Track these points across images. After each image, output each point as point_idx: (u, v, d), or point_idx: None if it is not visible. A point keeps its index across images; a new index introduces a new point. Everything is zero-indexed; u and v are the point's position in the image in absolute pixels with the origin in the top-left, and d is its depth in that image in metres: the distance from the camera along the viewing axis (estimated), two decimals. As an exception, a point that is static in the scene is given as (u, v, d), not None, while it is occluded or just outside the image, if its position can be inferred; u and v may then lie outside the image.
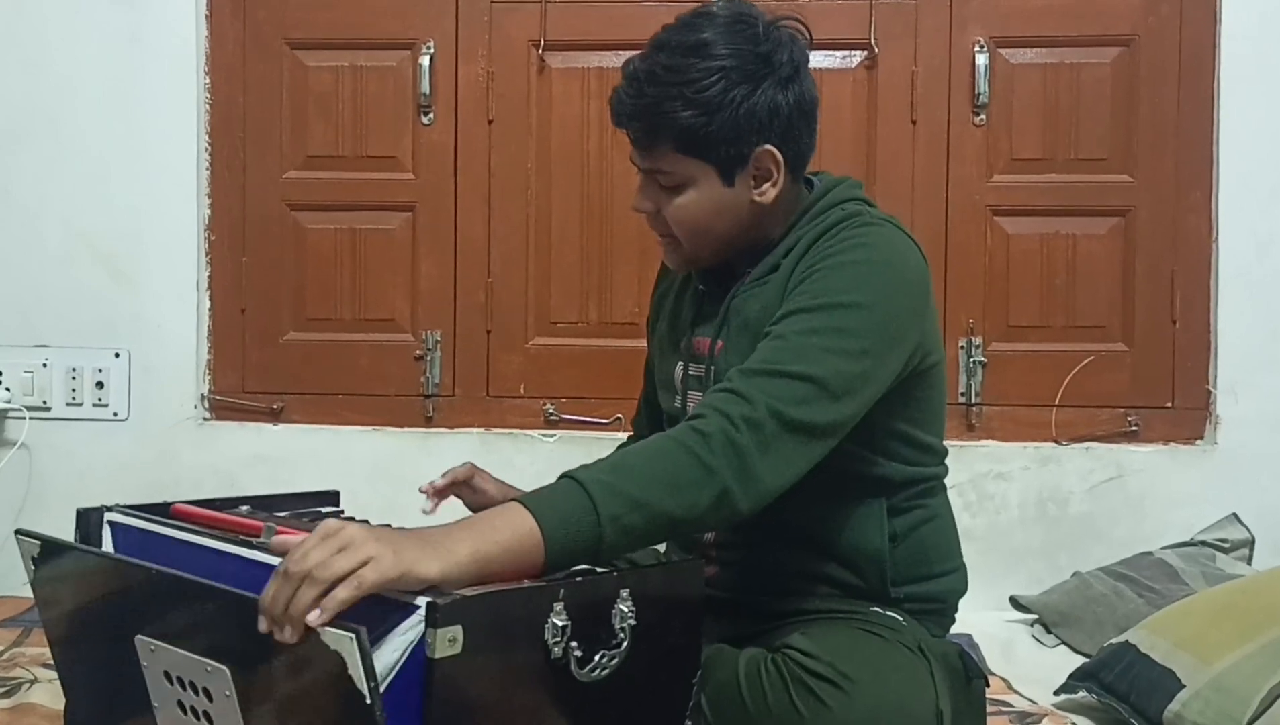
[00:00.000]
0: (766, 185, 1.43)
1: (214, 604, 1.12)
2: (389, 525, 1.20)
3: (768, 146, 1.41)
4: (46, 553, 1.30)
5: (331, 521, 1.08)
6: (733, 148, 1.39)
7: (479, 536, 1.12)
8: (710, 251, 1.47)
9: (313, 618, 1.02)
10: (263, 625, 1.05)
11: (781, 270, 1.43)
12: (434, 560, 1.08)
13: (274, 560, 1.15)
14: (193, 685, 1.15)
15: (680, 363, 1.53)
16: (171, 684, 1.17)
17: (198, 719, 1.16)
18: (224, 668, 1.11)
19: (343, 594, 1.03)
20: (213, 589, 1.12)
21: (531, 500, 1.18)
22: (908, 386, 1.41)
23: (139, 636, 1.19)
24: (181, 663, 1.15)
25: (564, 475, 1.21)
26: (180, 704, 1.17)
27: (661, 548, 1.63)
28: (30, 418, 2.49)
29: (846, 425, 1.33)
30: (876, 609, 1.43)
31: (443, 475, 1.51)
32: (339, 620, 1.02)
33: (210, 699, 1.13)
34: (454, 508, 1.43)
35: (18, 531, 1.32)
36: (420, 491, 1.50)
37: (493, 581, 1.13)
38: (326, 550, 1.05)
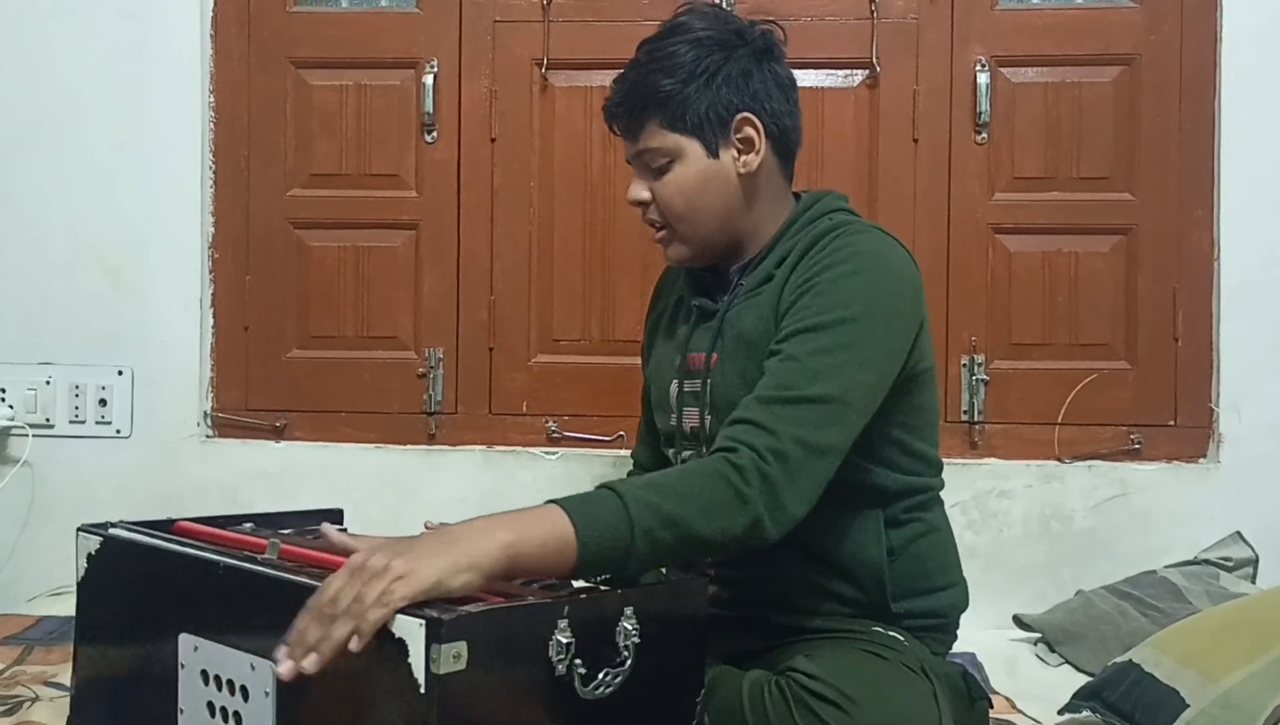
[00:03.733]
0: (750, 155, 1.48)
1: (276, 596, 1.14)
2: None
3: (745, 114, 1.46)
4: (107, 548, 1.34)
5: (356, 556, 1.10)
6: (712, 112, 1.45)
7: (514, 531, 1.14)
8: (703, 234, 1.50)
9: (354, 645, 1.04)
10: (281, 653, 1.07)
11: (775, 281, 1.45)
12: (463, 567, 1.09)
13: (273, 572, 1.17)
14: (230, 684, 1.18)
15: (675, 381, 1.54)
16: (207, 684, 1.20)
17: (226, 721, 1.18)
18: (270, 663, 1.12)
19: (375, 615, 1.05)
20: (278, 580, 1.16)
21: (568, 503, 1.20)
22: (901, 391, 1.43)
23: (183, 634, 1.22)
24: (224, 660, 1.18)
25: (602, 486, 1.24)
26: (210, 705, 1.20)
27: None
28: (33, 435, 2.49)
29: (856, 436, 1.35)
30: (878, 628, 1.43)
31: None
32: (410, 609, 1.04)
33: (246, 698, 1.16)
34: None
35: (80, 528, 1.38)
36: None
37: (519, 576, 1.16)
38: (355, 586, 1.06)
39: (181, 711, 1.23)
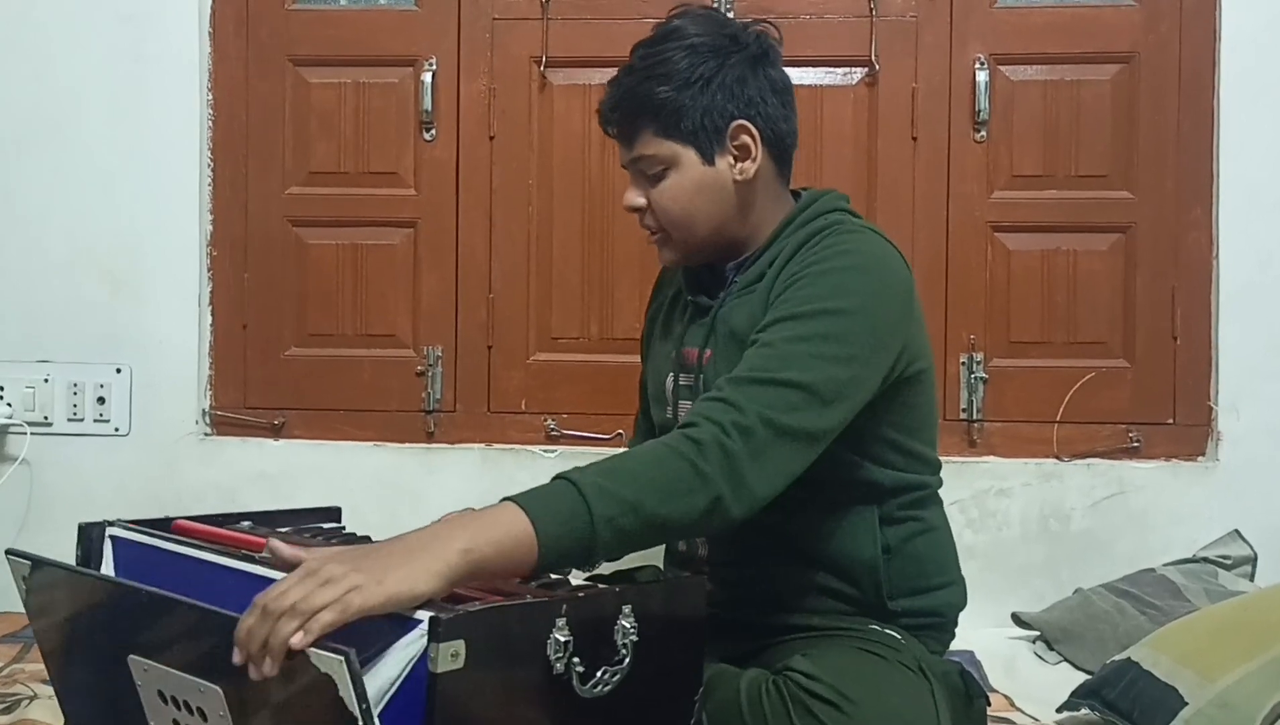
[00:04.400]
0: (746, 162, 1.48)
1: (204, 624, 1.11)
2: (369, 539, 1.19)
3: (741, 121, 1.45)
4: (37, 572, 1.29)
5: (312, 561, 1.06)
6: (707, 120, 1.44)
7: (471, 535, 1.12)
8: (698, 239, 1.50)
9: (296, 640, 1.00)
10: (237, 658, 1.03)
11: (766, 279, 1.46)
12: (421, 578, 1.07)
13: (278, 574, 1.15)
14: (187, 705, 1.14)
15: (671, 374, 1.55)
16: (166, 703, 1.17)
17: None
18: (216, 688, 1.10)
19: (327, 617, 1.01)
20: (202, 610, 1.11)
21: (525, 499, 1.17)
22: (894, 393, 1.43)
23: (132, 656, 1.18)
24: (174, 683, 1.15)
25: (557, 477, 1.21)
26: (175, 723, 1.17)
27: (660, 564, 1.63)
28: (32, 433, 2.49)
29: (835, 431, 1.34)
30: (875, 627, 1.43)
31: None
32: (328, 642, 1.00)
33: (205, 718, 1.13)
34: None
35: (8, 551, 1.32)
36: None
37: (482, 579, 1.13)
38: (307, 587, 1.03)
39: (151, 723, 1.21)
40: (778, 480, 1.27)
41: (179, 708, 1.15)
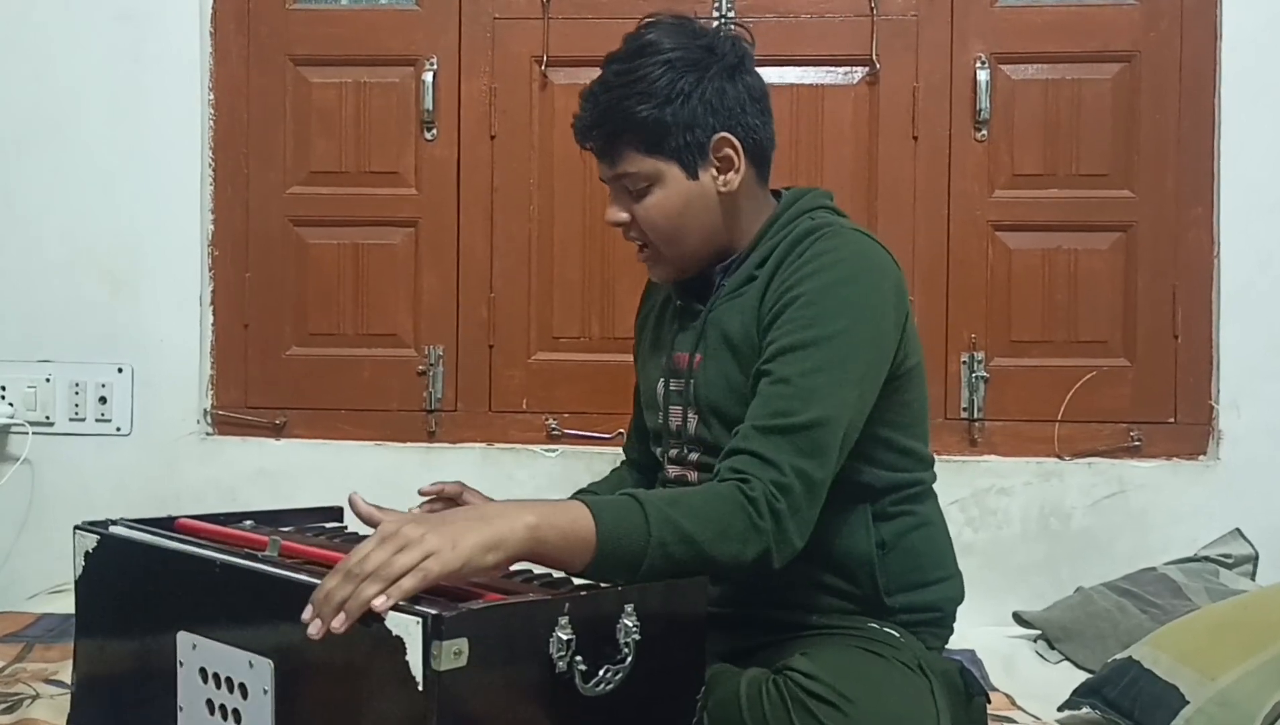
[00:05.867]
0: (730, 173, 1.47)
1: (271, 594, 1.15)
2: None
3: (723, 133, 1.45)
4: (104, 546, 1.35)
5: (388, 524, 1.11)
6: (689, 135, 1.44)
7: (541, 516, 1.17)
8: (688, 253, 1.50)
9: (379, 602, 1.05)
10: (307, 614, 1.07)
11: (757, 282, 1.46)
12: (492, 547, 1.12)
13: (275, 570, 1.18)
14: (228, 682, 1.18)
15: (662, 379, 1.55)
16: (205, 682, 1.21)
17: (225, 718, 1.19)
18: (269, 661, 1.14)
19: (409, 583, 1.06)
20: (276, 577, 1.16)
21: (593, 503, 1.22)
22: (888, 389, 1.44)
23: (181, 632, 1.23)
24: (222, 658, 1.19)
25: (625, 493, 1.26)
26: (210, 703, 1.20)
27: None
28: (33, 432, 2.49)
29: (848, 447, 1.38)
30: (874, 624, 1.43)
31: (431, 485, 1.52)
32: (404, 606, 1.05)
33: (245, 695, 1.16)
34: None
35: (77, 526, 1.38)
36: (420, 493, 1.51)
37: (539, 562, 1.18)
38: (387, 551, 1.08)
39: (181, 709, 1.24)
40: (810, 528, 1.33)
41: (219, 685, 1.19)
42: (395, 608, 1.05)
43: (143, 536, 1.35)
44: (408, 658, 1.03)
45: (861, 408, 1.38)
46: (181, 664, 1.23)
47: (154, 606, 1.29)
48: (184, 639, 1.23)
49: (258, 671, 1.15)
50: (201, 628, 1.22)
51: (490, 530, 1.13)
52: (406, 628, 1.03)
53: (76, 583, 1.39)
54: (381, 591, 1.06)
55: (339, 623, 1.05)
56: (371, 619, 1.05)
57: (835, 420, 1.33)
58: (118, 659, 1.36)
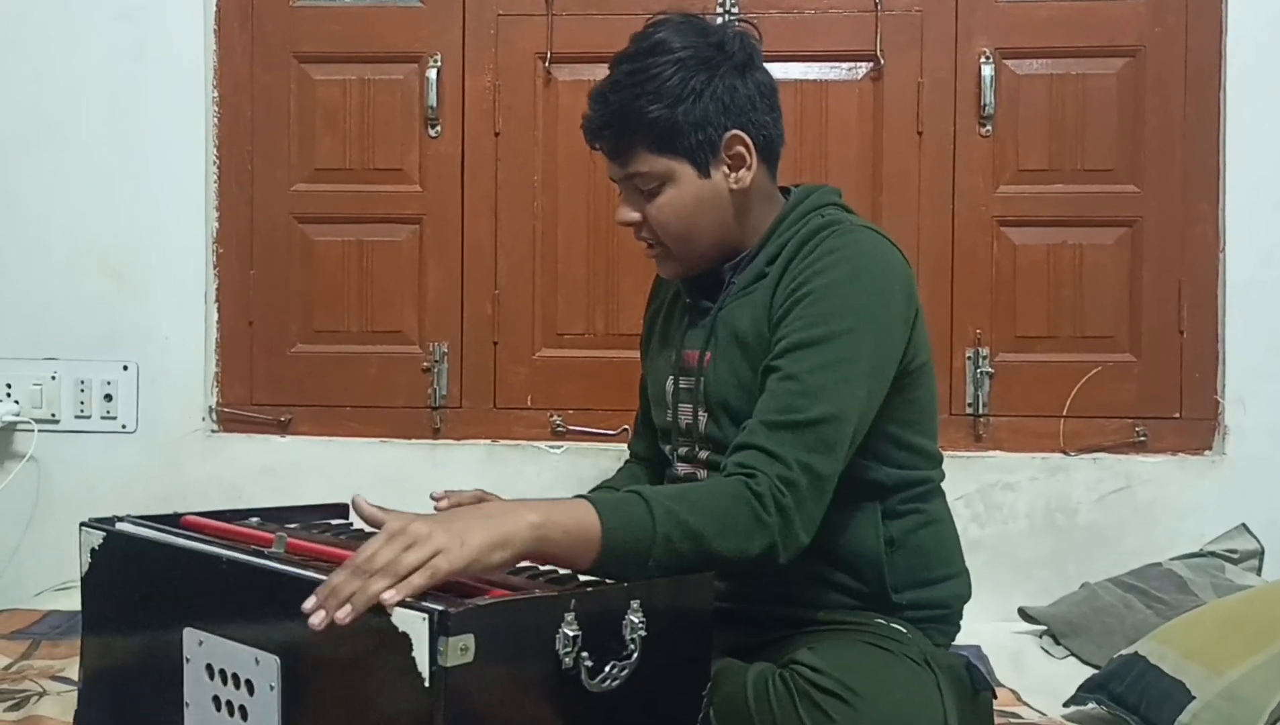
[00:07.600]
0: (741, 171, 1.47)
1: (278, 591, 1.15)
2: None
3: (735, 131, 1.45)
4: (110, 543, 1.35)
5: (394, 522, 1.12)
6: (701, 134, 1.44)
7: (544, 514, 1.18)
8: (699, 251, 1.50)
9: (389, 596, 1.05)
10: (310, 604, 1.07)
11: (768, 279, 1.46)
12: (498, 545, 1.13)
13: (281, 567, 1.18)
14: (235, 678, 1.19)
15: (671, 377, 1.55)
16: (212, 678, 1.21)
17: (231, 715, 1.19)
18: (275, 658, 1.14)
19: (418, 580, 1.07)
20: (283, 574, 1.17)
21: (597, 500, 1.22)
22: (896, 388, 1.44)
23: (187, 629, 1.23)
24: (228, 654, 1.19)
25: (630, 490, 1.27)
26: (216, 699, 1.21)
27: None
28: (39, 430, 2.49)
29: (854, 444, 1.38)
30: (881, 620, 1.44)
31: (447, 493, 1.51)
32: (411, 602, 1.06)
33: (251, 692, 1.17)
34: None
35: (83, 523, 1.38)
36: (431, 497, 1.51)
37: (543, 561, 1.20)
38: (395, 548, 1.09)
39: (187, 705, 1.24)
40: (817, 523, 1.33)
41: (225, 681, 1.20)
42: (401, 604, 1.05)
43: (149, 533, 1.35)
44: (414, 654, 1.03)
45: (870, 405, 1.38)
46: (188, 660, 1.24)
47: (160, 603, 1.29)
48: (190, 635, 1.23)
49: (264, 668, 1.15)
50: (208, 624, 1.22)
51: (497, 528, 1.14)
52: (413, 624, 1.03)
53: (82, 580, 1.39)
54: (390, 587, 1.06)
55: (344, 614, 1.05)
56: (376, 611, 1.05)
57: (843, 417, 1.34)
58: (124, 655, 1.36)
